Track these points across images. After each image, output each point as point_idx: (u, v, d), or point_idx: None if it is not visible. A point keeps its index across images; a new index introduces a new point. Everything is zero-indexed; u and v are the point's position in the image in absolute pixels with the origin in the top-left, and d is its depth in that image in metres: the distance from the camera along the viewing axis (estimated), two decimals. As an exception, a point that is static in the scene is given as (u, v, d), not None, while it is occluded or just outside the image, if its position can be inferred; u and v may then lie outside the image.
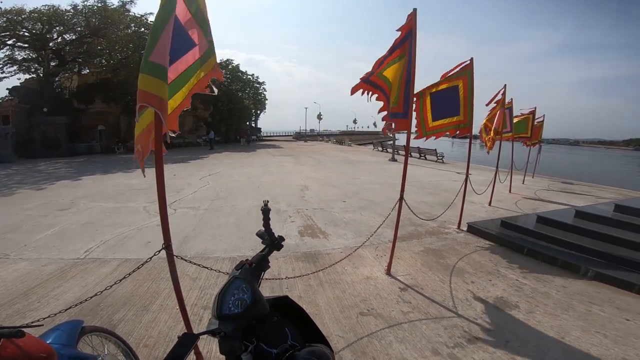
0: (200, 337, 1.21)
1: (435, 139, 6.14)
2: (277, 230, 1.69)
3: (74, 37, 23.84)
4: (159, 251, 2.28)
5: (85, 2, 23.02)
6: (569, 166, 36.22)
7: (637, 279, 3.97)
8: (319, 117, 58.34)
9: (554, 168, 25.73)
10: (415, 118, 5.72)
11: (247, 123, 43.59)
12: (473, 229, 6.08)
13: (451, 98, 5.83)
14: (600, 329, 3.13)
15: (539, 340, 2.94)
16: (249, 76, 40.15)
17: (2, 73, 22.97)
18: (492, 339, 2.94)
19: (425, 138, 5.93)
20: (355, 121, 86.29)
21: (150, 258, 2.46)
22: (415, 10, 3.86)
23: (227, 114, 36.00)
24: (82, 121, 24.98)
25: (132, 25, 24.71)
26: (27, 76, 24.45)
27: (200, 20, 2.41)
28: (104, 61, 24.81)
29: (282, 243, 1.69)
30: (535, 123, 12.31)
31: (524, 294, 3.82)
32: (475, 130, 7.62)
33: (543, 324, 3.20)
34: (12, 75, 23.53)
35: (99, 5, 23.34)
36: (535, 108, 12.02)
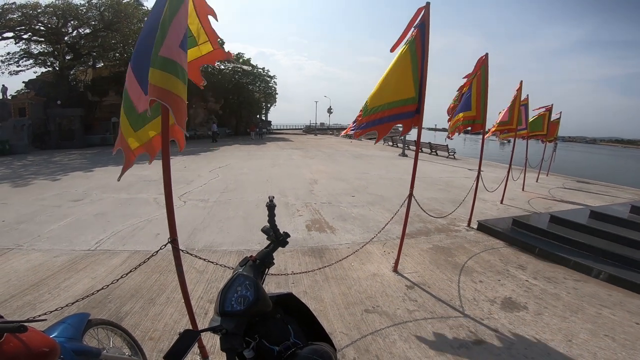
0: (203, 333, 1.21)
1: (456, 134, 6.11)
2: (284, 224, 1.68)
3: (88, 31, 24.20)
4: (165, 245, 2.29)
5: (100, -4, 23.31)
6: (585, 165, 35.42)
7: (651, 282, 3.87)
8: (330, 110, 58.01)
9: (570, 166, 25.19)
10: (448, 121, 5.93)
11: (258, 116, 43.70)
12: (483, 227, 5.98)
13: (466, 95, 5.76)
14: (609, 332, 3.06)
15: (545, 342, 2.88)
16: (259, 69, 40.12)
17: (18, 67, 23.50)
18: (497, 341, 2.90)
19: (449, 135, 6.01)
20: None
21: (156, 252, 2.47)
22: (428, 4, 3.74)
23: (238, 107, 36.19)
24: (96, 114, 25.43)
25: (146, 19, 24.89)
26: (43, 69, 24.94)
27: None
28: (117, 55, 25.10)
29: (288, 239, 1.68)
30: (552, 120, 12.03)
31: (533, 295, 3.75)
32: (490, 126, 7.56)
33: (551, 326, 3.14)
34: (28, 69, 24.08)
35: (113, -1, 23.61)
36: (552, 105, 11.74)
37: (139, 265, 2.56)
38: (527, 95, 9.55)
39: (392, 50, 3.78)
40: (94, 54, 25.16)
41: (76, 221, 5.99)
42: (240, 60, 37.34)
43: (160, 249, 2.41)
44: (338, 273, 4.13)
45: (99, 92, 25.43)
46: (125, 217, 6.21)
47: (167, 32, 1.88)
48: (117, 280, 2.50)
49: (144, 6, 26.15)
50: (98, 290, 2.39)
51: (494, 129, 8.30)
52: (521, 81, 8.17)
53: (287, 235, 1.68)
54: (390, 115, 3.85)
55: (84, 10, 22.95)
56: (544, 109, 11.66)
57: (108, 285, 2.48)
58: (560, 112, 12.89)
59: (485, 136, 7.69)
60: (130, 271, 2.49)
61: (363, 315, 3.25)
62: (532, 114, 11.25)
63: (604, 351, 2.78)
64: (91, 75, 26.56)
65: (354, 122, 4.01)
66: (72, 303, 2.31)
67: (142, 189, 8.66)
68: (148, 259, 2.48)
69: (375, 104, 3.83)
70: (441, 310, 3.39)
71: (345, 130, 4.31)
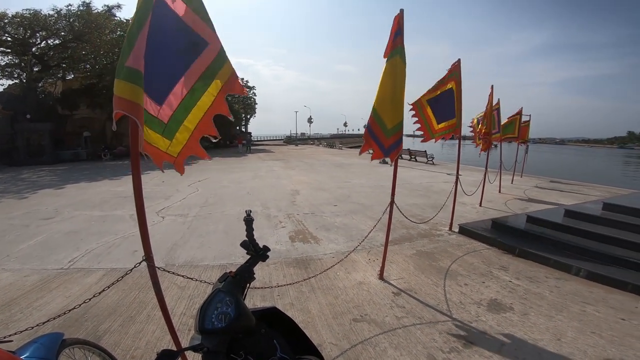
0: (183, 352, 1.15)
1: (440, 140, 6.18)
2: (267, 236, 1.64)
3: (57, 42, 23.43)
4: (139, 263, 2.17)
5: (69, 7, 22.69)
6: (556, 165, 36.84)
7: (629, 277, 3.99)
8: (310, 120, 58.38)
9: (542, 167, 26.10)
10: (418, 122, 5.78)
11: (237, 127, 43.39)
12: (465, 231, 6.07)
13: (449, 100, 5.82)
14: (596, 329, 3.11)
15: (535, 342, 2.90)
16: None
17: (-16, 79, 22.48)
18: (488, 343, 2.90)
19: (435, 140, 6.02)
20: (345, 124, 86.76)
21: (130, 270, 2.36)
22: (402, 10, 3.77)
23: (217, 118, 35.83)
24: (66, 127, 24.55)
25: (118, 30, 24.37)
26: (10, 82, 23.96)
27: (203, 13, 2.07)
28: (88, 66, 24.39)
29: (267, 253, 1.65)
30: (522, 123, 12.50)
31: (518, 295, 3.79)
32: (464, 131, 7.76)
33: (538, 325, 3.17)
34: (-6, 82, 23.06)
35: (83, 9, 23.01)
36: (521, 108, 12.22)
37: (113, 284, 2.43)
38: (499, 99, 9.87)
39: (384, 56, 3.79)
40: (64, 65, 24.32)
41: (47, 240, 5.70)
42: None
43: (135, 266, 2.29)
44: (324, 283, 4.06)
45: (69, 105, 24.61)
46: (100, 234, 5.95)
47: (135, 42, 1.78)
48: (91, 299, 2.36)
49: (116, 17, 25.67)
50: (71, 310, 2.27)
51: (491, 139, 8.53)
52: (492, 86, 8.38)
53: (266, 249, 1.65)
54: (394, 142, 3.99)
55: (53, 21, 22.22)
56: (515, 113, 12.15)
57: (80, 305, 2.35)
58: (530, 115, 13.40)
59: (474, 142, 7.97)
60: (104, 290, 2.35)
61: (352, 324, 3.19)
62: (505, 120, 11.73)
63: (594, 348, 2.81)
64: (61, 87, 25.68)
65: (373, 136, 4.03)
66: (44, 322, 2.18)
67: (117, 205, 8.35)
68: (122, 277, 2.36)
69: (392, 124, 3.90)
70: (429, 315, 3.38)
71: (373, 154, 4.26)
